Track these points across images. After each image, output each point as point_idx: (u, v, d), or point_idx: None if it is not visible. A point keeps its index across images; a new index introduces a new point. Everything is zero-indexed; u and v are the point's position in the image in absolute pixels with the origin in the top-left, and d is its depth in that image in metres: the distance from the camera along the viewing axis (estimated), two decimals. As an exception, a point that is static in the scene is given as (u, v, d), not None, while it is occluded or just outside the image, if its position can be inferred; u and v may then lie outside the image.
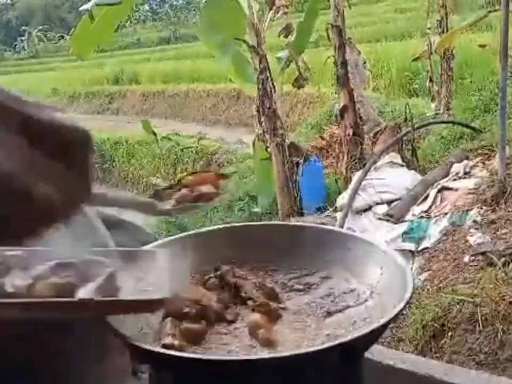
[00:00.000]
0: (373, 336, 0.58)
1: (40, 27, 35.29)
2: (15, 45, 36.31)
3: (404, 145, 4.94)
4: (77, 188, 0.42)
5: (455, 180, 4.12)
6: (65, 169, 0.41)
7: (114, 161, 11.17)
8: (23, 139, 0.39)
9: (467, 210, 3.58)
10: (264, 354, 0.57)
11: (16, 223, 0.40)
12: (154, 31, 31.25)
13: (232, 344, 0.59)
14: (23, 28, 34.94)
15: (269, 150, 5.34)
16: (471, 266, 3.06)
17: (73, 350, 0.73)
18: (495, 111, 4.52)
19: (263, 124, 5.22)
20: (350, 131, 5.36)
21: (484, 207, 3.52)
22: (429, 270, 3.29)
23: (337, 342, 0.54)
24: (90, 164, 0.43)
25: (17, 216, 0.40)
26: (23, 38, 35.24)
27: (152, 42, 28.33)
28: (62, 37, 33.32)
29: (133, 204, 0.59)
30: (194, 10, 27.40)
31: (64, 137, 0.41)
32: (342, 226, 3.92)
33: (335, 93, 5.80)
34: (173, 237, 0.76)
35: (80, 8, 4.56)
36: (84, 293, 0.45)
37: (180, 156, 9.44)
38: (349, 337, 0.56)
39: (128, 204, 0.59)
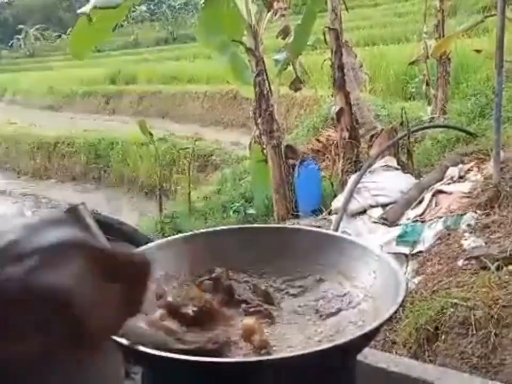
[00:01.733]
0: (366, 339, 0.59)
1: (37, 26, 35.20)
2: (12, 44, 36.19)
3: (399, 149, 4.96)
4: (125, 315, 0.46)
5: (449, 183, 4.14)
6: (121, 295, 0.44)
7: (110, 161, 11.15)
8: (96, 272, 0.42)
9: (461, 214, 3.59)
10: (257, 356, 0.57)
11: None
12: (152, 32, 31.24)
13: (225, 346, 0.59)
14: (20, 26, 34.84)
15: (265, 152, 5.35)
16: (465, 270, 3.07)
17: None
18: (491, 115, 4.54)
19: (260, 126, 5.23)
20: (346, 134, 5.38)
21: (478, 211, 3.54)
22: (423, 273, 3.30)
23: (330, 344, 0.55)
24: (145, 292, 0.46)
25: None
26: (19, 37, 35.14)
27: (149, 43, 28.33)
28: (59, 36, 33.26)
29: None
30: (192, 11, 27.42)
31: (126, 265, 0.44)
32: (336, 229, 3.93)
33: (332, 95, 5.82)
34: (169, 238, 0.77)
35: (78, 11, 4.55)
36: None
37: (176, 157, 9.43)
38: (342, 340, 0.56)
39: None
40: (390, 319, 0.57)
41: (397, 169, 4.75)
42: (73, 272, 0.40)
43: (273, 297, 0.69)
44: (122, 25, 26.63)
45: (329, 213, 4.75)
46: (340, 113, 5.39)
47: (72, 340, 0.40)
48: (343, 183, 5.07)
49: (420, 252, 3.55)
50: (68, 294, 0.39)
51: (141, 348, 0.53)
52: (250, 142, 5.65)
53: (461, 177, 4.16)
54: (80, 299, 0.40)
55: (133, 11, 28.76)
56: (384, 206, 4.25)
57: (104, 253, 0.43)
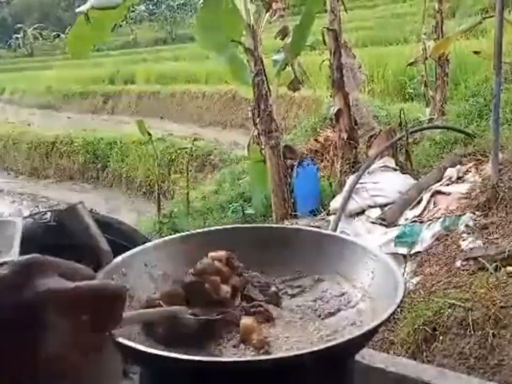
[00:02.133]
0: (364, 339, 0.59)
1: (36, 25, 35.13)
2: (10, 43, 36.11)
3: (398, 150, 4.96)
4: (98, 347, 0.49)
5: (448, 184, 4.14)
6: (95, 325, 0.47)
7: (108, 161, 11.14)
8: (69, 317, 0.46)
9: (460, 215, 3.59)
10: (256, 356, 0.57)
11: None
12: (151, 31, 31.24)
13: (223, 345, 0.59)
14: (19, 25, 34.77)
15: (263, 152, 5.34)
16: (463, 270, 3.08)
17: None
18: (489, 116, 4.55)
19: (259, 126, 5.23)
20: (345, 135, 5.38)
21: (476, 212, 3.54)
22: (421, 274, 3.30)
23: (328, 344, 0.55)
24: (118, 317, 0.49)
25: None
26: (18, 36, 35.07)
27: (148, 43, 28.33)
28: (58, 35, 33.21)
29: (158, 315, 0.61)
30: (191, 11, 27.40)
31: (99, 298, 0.47)
32: (335, 230, 3.93)
33: (330, 96, 5.82)
34: (166, 238, 0.77)
35: (77, 10, 4.55)
36: None
37: (175, 157, 9.43)
38: (340, 340, 0.56)
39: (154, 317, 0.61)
40: (388, 319, 0.57)
41: (395, 170, 4.75)
42: (46, 324, 0.44)
43: (280, 299, 0.69)
44: (121, 25, 26.62)
45: (328, 213, 4.75)
46: (338, 113, 5.39)
47: (52, 374, 0.45)
48: (342, 184, 5.07)
49: (418, 252, 3.55)
50: (40, 349, 0.44)
51: (139, 347, 0.53)
52: (249, 142, 5.64)
53: (459, 178, 4.17)
54: (54, 347, 0.44)
55: (132, 11, 28.75)
56: (382, 206, 4.26)
57: (76, 293, 0.46)
